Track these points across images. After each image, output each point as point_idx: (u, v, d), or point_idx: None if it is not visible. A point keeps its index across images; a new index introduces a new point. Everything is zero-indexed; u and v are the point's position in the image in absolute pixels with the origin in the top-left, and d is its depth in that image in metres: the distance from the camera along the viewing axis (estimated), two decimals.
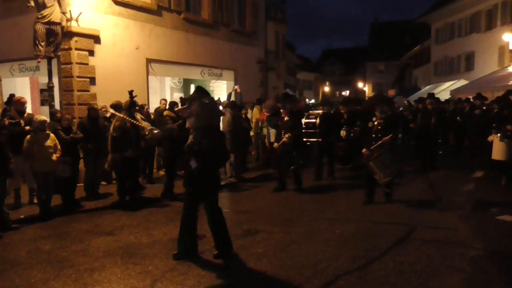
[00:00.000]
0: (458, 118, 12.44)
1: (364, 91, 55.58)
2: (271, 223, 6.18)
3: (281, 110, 8.54)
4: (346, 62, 69.83)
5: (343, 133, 9.60)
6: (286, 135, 8.04)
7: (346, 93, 60.81)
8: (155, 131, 7.30)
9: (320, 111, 9.68)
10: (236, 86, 12.19)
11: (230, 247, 4.75)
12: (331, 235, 5.60)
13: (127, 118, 7.25)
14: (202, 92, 4.76)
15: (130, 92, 7.36)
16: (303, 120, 9.19)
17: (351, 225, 6.01)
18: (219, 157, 4.69)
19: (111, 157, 7.23)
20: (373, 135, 6.87)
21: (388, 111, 7.01)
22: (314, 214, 6.72)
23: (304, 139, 9.07)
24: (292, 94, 10.38)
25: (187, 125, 4.99)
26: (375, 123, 6.93)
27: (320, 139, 9.14)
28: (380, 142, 6.71)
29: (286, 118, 8.22)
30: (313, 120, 9.20)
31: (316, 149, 9.45)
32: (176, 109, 8.26)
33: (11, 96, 7.99)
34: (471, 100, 12.63)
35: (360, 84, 58.62)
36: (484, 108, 10.60)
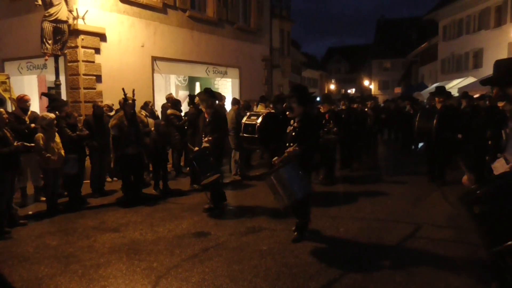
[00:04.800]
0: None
1: (370, 89, 55.37)
2: (275, 221, 6.18)
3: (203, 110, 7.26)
4: (352, 59, 69.57)
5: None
6: (206, 139, 6.69)
7: (352, 91, 60.58)
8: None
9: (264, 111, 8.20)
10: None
11: None
12: (336, 232, 5.60)
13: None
14: None
15: (123, 90, 7.42)
16: (243, 121, 8.09)
17: (356, 223, 6.00)
18: None
19: (113, 155, 7.35)
20: (287, 144, 5.19)
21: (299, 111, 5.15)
22: (317, 212, 6.67)
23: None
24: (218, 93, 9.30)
25: None
26: (292, 127, 5.23)
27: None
28: (286, 153, 5.06)
29: (208, 119, 6.84)
30: (253, 122, 7.75)
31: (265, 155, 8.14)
32: None
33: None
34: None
35: (366, 82, 58.39)
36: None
